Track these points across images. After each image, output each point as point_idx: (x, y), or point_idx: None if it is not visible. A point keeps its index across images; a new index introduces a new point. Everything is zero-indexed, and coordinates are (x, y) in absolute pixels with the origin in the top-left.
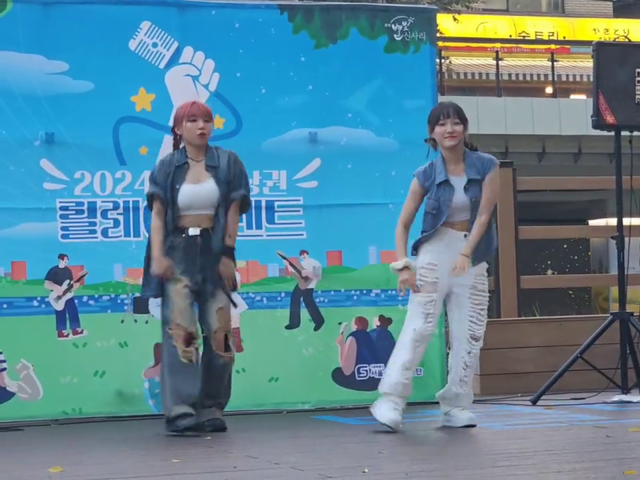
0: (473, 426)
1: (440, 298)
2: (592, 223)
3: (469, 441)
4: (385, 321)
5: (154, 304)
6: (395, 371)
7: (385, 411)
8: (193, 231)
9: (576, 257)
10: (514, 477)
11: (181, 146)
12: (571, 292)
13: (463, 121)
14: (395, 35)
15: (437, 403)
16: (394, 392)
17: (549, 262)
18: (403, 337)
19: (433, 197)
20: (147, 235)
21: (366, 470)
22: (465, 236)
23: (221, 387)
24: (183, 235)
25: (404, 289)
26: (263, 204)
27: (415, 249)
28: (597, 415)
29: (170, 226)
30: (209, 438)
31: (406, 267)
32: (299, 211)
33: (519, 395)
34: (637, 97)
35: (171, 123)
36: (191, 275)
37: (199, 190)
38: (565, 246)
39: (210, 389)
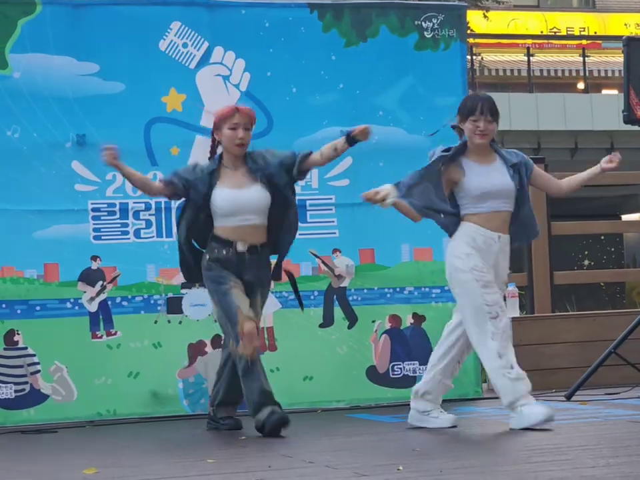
0: (455, 427)
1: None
2: (625, 217)
3: (503, 437)
4: (419, 318)
5: (187, 304)
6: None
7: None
8: (242, 247)
9: (613, 249)
10: (549, 473)
11: (218, 152)
12: (603, 286)
13: (496, 118)
14: (425, 33)
15: (471, 399)
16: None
17: (586, 252)
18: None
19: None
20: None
21: (400, 468)
22: (500, 238)
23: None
24: (230, 249)
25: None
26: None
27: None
28: (631, 409)
29: (205, 234)
30: (243, 438)
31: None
32: (331, 209)
33: (554, 390)
34: None
35: (204, 123)
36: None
37: (242, 195)
38: (602, 237)
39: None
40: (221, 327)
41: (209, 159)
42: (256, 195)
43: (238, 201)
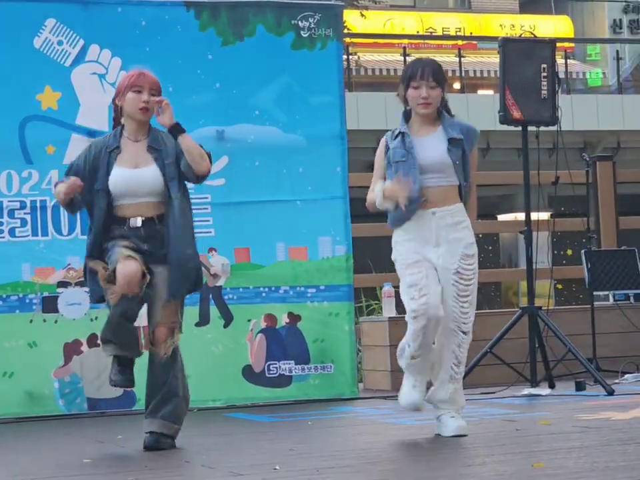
0: (464, 436)
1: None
2: (501, 217)
3: (380, 437)
4: (294, 317)
5: (63, 303)
6: None
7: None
8: (134, 222)
9: (490, 248)
10: (425, 472)
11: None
12: (479, 285)
13: (441, 83)
14: (301, 32)
15: (347, 399)
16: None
17: None
18: None
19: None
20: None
21: (277, 467)
22: (434, 213)
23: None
24: (125, 227)
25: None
26: None
27: None
28: (506, 408)
29: (105, 216)
30: (120, 437)
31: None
32: (206, 208)
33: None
34: (543, 92)
35: (80, 122)
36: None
37: (137, 175)
38: (480, 236)
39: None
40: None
41: (114, 128)
42: (151, 176)
43: (132, 182)
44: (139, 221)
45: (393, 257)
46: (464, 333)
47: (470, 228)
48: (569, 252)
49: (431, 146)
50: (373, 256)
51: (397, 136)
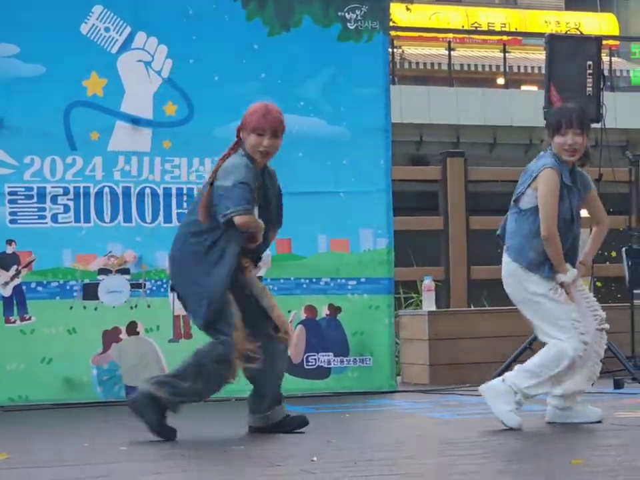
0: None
1: None
2: None
3: (418, 431)
4: (334, 309)
5: (104, 290)
6: None
7: None
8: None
9: None
10: (463, 466)
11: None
12: None
13: (586, 130)
14: (348, 24)
15: (385, 392)
16: None
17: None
18: None
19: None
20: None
21: (314, 458)
22: None
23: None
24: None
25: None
26: None
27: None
28: (544, 404)
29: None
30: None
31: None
32: None
33: (468, 385)
34: (588, 89)
35: (124, 109)
36: None
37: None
38: None
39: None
40: None
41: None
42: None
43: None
44: None
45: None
46: None
47: None
48: (613, 254)
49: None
50: (413, 249)
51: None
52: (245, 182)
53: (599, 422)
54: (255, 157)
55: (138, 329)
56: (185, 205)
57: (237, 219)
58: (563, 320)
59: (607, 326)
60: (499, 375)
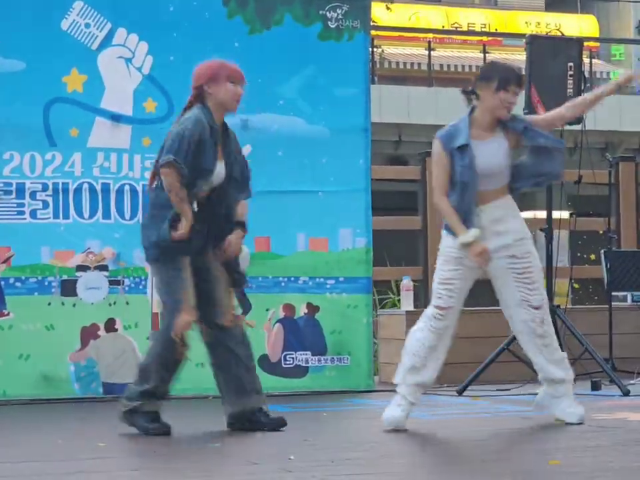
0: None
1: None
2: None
3: (395, 430)
4: (313, 308)
5: (82, 287)
6: None
7: None
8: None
9: None
10: (439, 466)
11: (196, 106)
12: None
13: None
14: (329, 23)
15: (363, 392)
16: None
17: None
18: None
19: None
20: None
21: (292, 457)
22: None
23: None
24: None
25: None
26: None
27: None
28: (522, 405)
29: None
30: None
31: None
32: None
33: (445, 385)
34: (569, 91)
35: (104, 106)
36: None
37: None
38: None
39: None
40: None
41: (186, 109)
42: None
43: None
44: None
45: None
46: None
47: None
48: (592, 257)
49: (494, 149)
50: (389, 249)
51: (458, 147)
52: (183, 135)
53: (580, 423)
54: (232, 108)
55: (116, 326)
56: None
57: (162, 170)
58: None
59: None
60: (476, 376)
